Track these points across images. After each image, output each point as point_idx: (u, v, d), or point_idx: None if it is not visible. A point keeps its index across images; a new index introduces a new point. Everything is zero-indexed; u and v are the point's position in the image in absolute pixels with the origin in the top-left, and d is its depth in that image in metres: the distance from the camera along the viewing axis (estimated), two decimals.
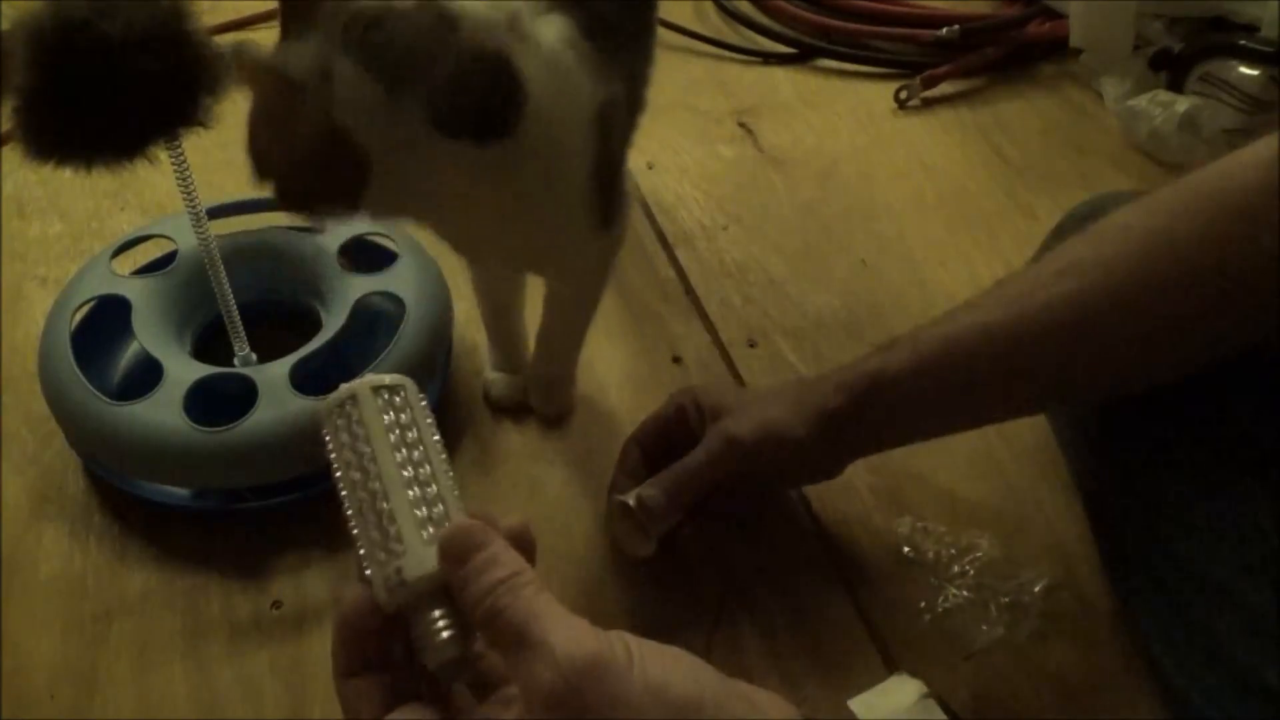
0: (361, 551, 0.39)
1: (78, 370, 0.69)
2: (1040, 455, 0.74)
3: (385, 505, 0.38)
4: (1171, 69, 1.02)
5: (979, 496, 0.72)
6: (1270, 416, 0.56)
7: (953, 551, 0.67)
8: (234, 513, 0.70)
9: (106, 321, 0.75)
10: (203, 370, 0.69)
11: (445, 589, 0.38)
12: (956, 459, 0.74)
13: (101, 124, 0.55)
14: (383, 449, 0.39)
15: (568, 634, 0.35)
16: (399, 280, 0.75)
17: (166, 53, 0.54)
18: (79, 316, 0.74)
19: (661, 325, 0.85)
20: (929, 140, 1.06)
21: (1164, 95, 1.00)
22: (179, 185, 0.63)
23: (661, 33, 1.19)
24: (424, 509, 0.39)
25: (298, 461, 0.68)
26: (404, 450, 0.40)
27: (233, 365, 0.72)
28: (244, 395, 0.67)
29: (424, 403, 0.42)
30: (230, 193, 0.90)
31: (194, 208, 0.65)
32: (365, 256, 0.79)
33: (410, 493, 0.39)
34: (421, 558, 0.38)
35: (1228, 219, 0.53)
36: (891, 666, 0.63)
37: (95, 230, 0.92)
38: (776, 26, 1.21)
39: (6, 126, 0.54)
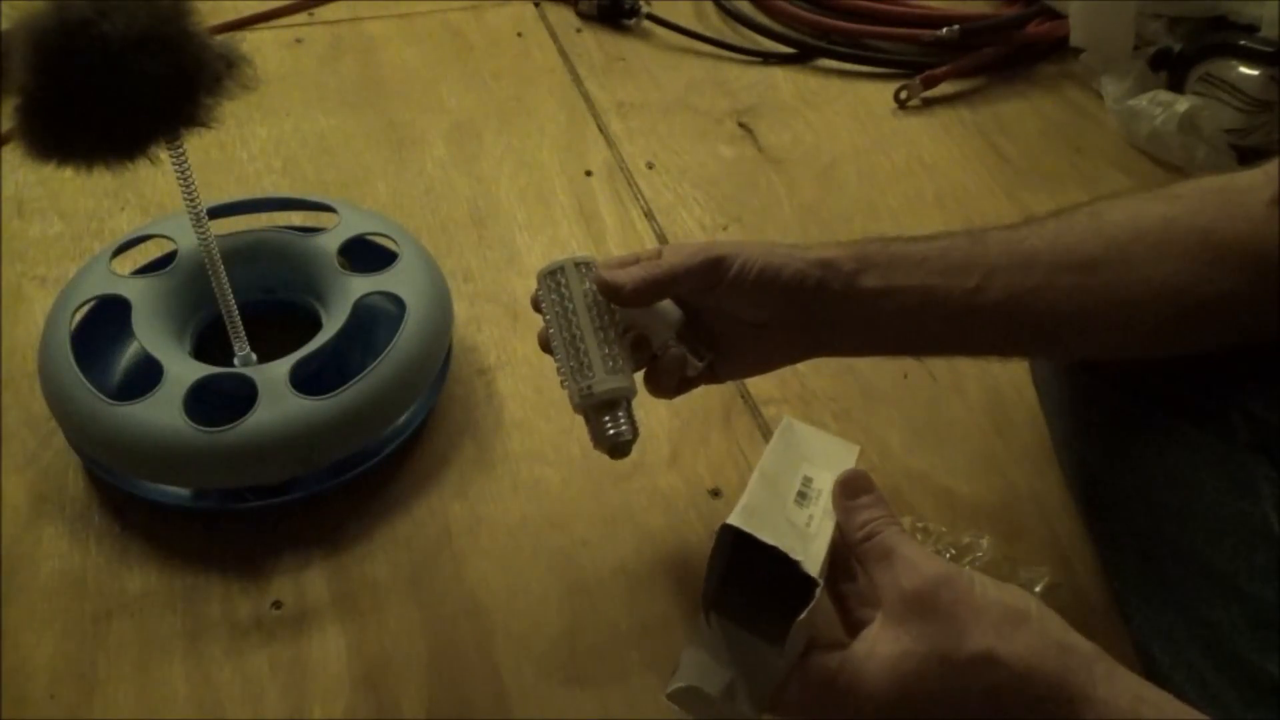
0: (561, 374, 0.57)
1: (78, 370, 0.69)
2: (1040, 455, 0.74)
3: (581, 345, 0.56)
4: (1171, 69, 1.02)
5: (979, 496, 0.72)
6: (1277, 406, 0.56)
7: (953, 551, 0.67)
8: (234, 513, 0.70)
9: (106, 321, 0.75)
10: (203, 370, 0.69)
11: (614, 404, 0.56)
12: (956, 459, 0.75)
13: (101, 124, 0.55)
14: (581, 306, 0.57)
15: (926, 556, 0.47)
16: (399, 280, 0.75)
17: (166, 53, 0.54)
18: (79, 316, 0.74)
19: None
20: (929, 140, 1.06)
21: (1164, 95, 1.00)
22: (179, 185, 0.63)
23: (661, 32, 1.20)
24: (606, 349, 0.57)
25: (298, 461, 0.68)
26: (594, 308, 0.57)
27: (233, 365, 0.72)
28: (244, 395, 0.67)
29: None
30: (230, 193, 0.90)
31: (194, 208, 0.65)
32: (365, 256, 0.79)
33: (598, 336, 0.57)
34: (603, 379, 0.56)
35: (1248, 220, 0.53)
36: None
37: (95, 230, 0.92)
38: (776, 26, 1.21)
39: (6, 126, 0.55)
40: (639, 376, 0.60)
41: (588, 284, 0.58)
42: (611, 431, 0.56)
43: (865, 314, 0.57)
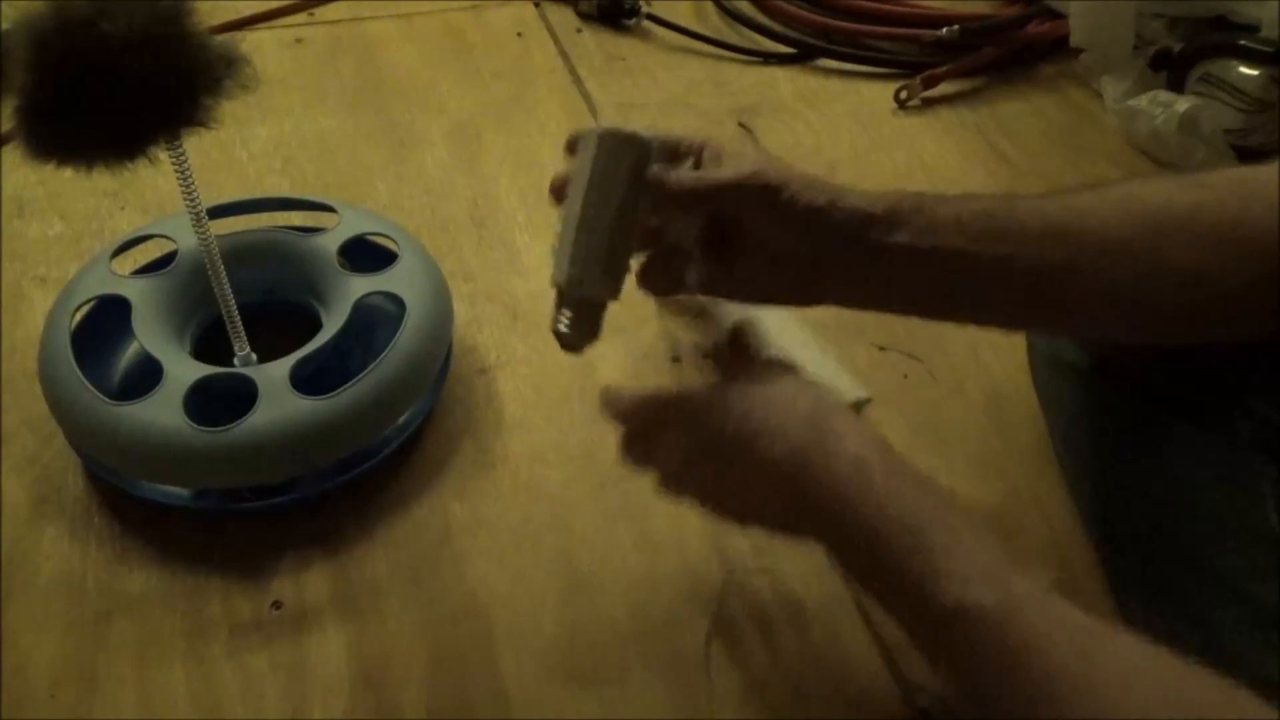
0: (557, 239, 0.55)
1: (78, 370, 0.69)
2: (1040, 455, 0.74)
3: (585, 226, 0.54)
4: (1171, 69, 1.02)
5: (979, 496, 0.72)
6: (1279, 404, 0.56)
7: None
8: (234, 513, 0.70)
9: (106, 321, 0.75)
10: (203, 370, 0.69)
11: (579, 300, 0.55)
12: (956, 459, 0.75)
13: (102, 124, 0.55)
14: (612, 188, 0.53)
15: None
16: (399, 280, 0.75)
17: (166, 53, 0.54)
18: (79, 316, 0.74)
19: (662, 325, 0.85)
20: (929, 140, 1.06)
21: (1164, 95, 1.00)
22: (179, 185, 0.63)
23: (661, 32, 1.20)
24: (606, 244, 0.54)
25: (298, 461, 0.68)
26: (625, 196, 0.53)
27: (233, 365, 0.72)
28: (244, 395, 0.67)
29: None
30: (230, 193, 0.90)
31: (194, 208, 0.65)
32: (365, 256, 0.79)
33: (609, 227, 0.54)
34: (581, 276, 0.54)
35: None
36: (892, 665, 0.63)
37: (95, 230, 0.92)
38: (776, 26, 1.21)
39: (7, 126, 0.55)
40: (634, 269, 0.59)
41: (630, 164, 0.53)
42: (560, 327, 0.56)
43: (889, 270, 0.56)
